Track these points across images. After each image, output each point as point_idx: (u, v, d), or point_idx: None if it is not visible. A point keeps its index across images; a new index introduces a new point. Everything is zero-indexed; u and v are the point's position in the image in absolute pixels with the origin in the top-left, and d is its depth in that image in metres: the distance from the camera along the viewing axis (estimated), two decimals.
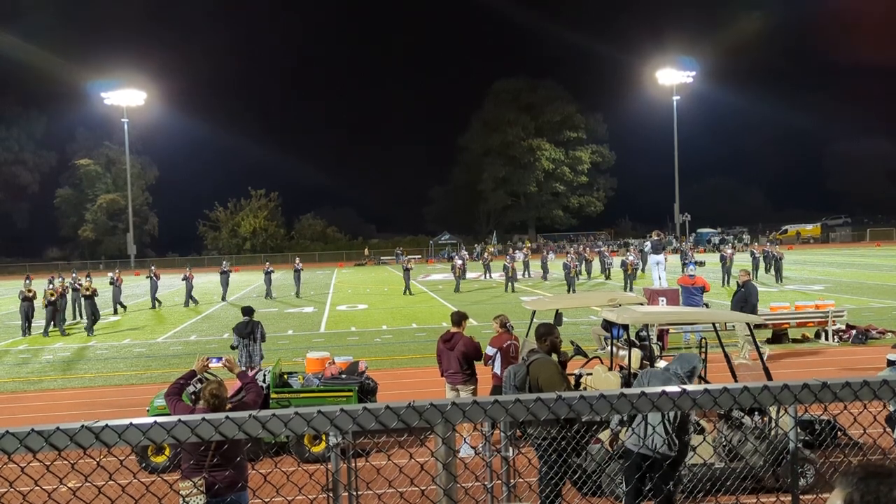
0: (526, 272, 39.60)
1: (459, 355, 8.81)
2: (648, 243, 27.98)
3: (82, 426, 1.71)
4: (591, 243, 63.21)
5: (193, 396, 6.18)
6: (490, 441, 6.57)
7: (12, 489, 2.35)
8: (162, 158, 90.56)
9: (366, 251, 71.80)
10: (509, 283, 31.75)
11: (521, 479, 7.16)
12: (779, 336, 15.90)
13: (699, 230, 72.89)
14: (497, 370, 8.95)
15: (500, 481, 5.91)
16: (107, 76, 71.18)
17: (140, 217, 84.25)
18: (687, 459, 6.05)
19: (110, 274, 29.74)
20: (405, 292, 31.59)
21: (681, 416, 5.62)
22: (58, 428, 1.70)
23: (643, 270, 35.27)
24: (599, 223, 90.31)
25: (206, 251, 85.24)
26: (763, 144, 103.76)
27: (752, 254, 34.82)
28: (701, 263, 34.15)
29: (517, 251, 41.77)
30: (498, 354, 8.90)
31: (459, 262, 34.26)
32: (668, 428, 5.45)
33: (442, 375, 9.15)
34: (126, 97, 70.30)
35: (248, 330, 11.73)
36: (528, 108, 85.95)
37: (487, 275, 39.81)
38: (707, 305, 16.00)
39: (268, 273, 32.72)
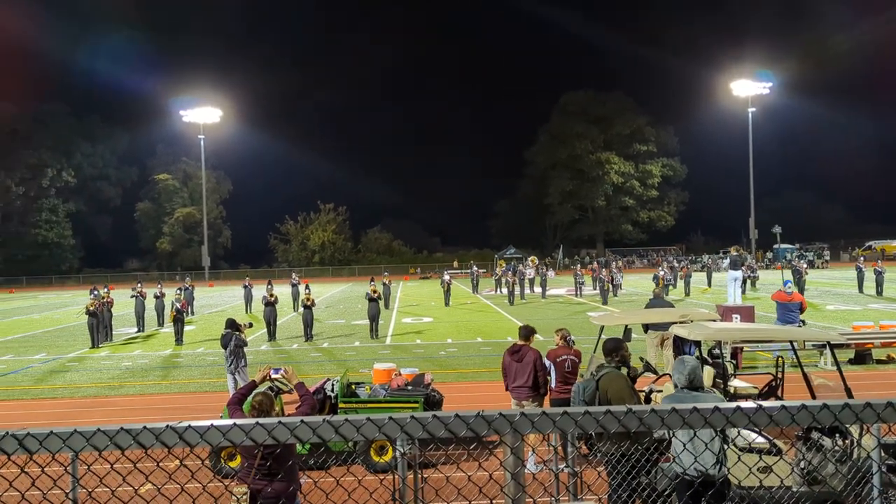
0: (531, 287, 40.37)
1: (530, 368, 8.75)
2: (727, 259, 27.53)
3: (167, 426, 1.78)
4: (605, 260, 63.96)
5: None
6: (558, 454, 6.50)
7: (102, 484, 2.46)
8: (235, 173, 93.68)
9: (455, 264, 72.50)
10: (511, 296, 34.33)
11: (590, 493, 7.06)
12: (862, 356, 15.22)
13: (776, 246, 70.53)
14: (552, 384, 8.87)
15: (566, 498, 5.85)
16: (184, 95, 74.20)
17: (214, 230, 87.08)
18: (762, 479, 5.84)
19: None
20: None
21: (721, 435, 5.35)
22: (145, 427, 1.78)
23: (674, 286, 37.04)
24: (670, 238, 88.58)
25: (276, 263, 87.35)
26: (844, 157, 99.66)
27: (858, 268, 35.33)
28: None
29: (526, 267, 42.72)
30: (552, 367, 8.84)
31: (447, 277, 35.79)
32: (715, 447, 5.19)
33: (507, 389, 9.10)
34: (202, 114, 73.02)
35: (224, 342, 12.44)
36: (597, 121, 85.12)
37: (498, 290, 41.83)
38: (803, 323, 15.36)
39: (246, 288, 33.84)
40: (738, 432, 6.48)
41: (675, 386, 5.43)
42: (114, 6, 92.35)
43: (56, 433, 1.76)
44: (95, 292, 23.65)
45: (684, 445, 5.15)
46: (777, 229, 57.41)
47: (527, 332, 9.13)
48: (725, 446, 5.21)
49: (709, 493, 5.04)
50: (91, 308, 21.66)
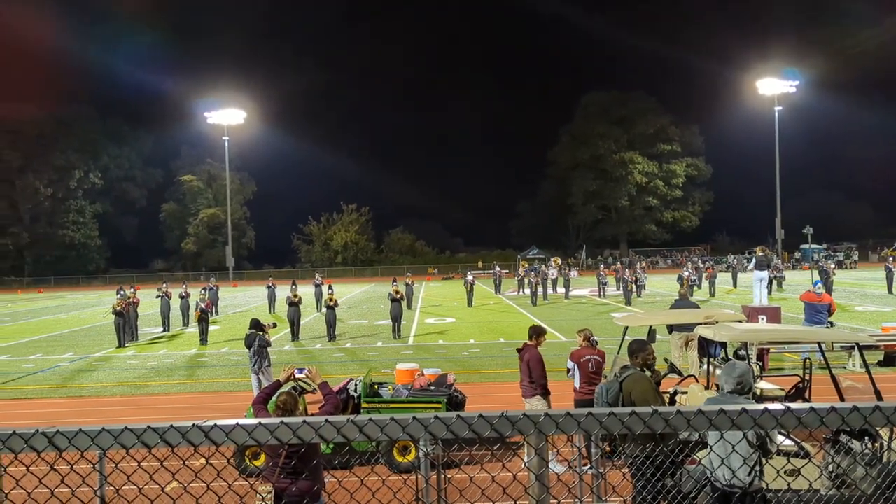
0: (554, 288, 40.06)
1: (526, 368, 8.78)
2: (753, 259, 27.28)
3: (194, 425, 1.80)
4: (635, 260, 63.94)
5: None
6: (582, 455, 6.47)
7: (129, 482, 2.49)
8: (259, 174, 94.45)
9: (479, 264, 72.89)
10: (534, 297, 34.25)
11: (615, 495, 7.01)
12: (891, 358, 14.95)
13: (803, 246, 69.57)
14: (577, 384, 8.82)
15: (590, 499, 5.81)
16: (209, 97, 74.95)
17: (238, 230, 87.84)
18: (791, 482, 5.75)
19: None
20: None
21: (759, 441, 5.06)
22: (171, 426, 1.79)
23: (699, 286, 36.83)
24: (695, 238, 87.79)
25: (299, 264, 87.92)
26: (872, 156, 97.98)
27: (888, 268, 35.02)
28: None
29: (549, 268, 42.57)
30: (576, 368, 8.79)
31: (470, 277, 35.91)
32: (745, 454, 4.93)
33: None
34: (227, 116, 73.70)
35: (248, 342, 12.52)
36: (620, 121, 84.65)
37: (521, 290, 41.90)
38: (831, 325, 15.13)
39: (270, 288, 34.35)
40: (768, 436, 6.39)
41: (720, 389, 5.27)
42: (139, 9, 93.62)
43: (85, 431, 1.78)
44: (122, 292, 23.94)
45: (711, 448, 5.06)
46: (808, 230, 56.85)
47: (532, 333, 9.14)
48: (763, 457, 4.99)
49: (735, 500, 4.92)
50: (117, 308, 21.92)
